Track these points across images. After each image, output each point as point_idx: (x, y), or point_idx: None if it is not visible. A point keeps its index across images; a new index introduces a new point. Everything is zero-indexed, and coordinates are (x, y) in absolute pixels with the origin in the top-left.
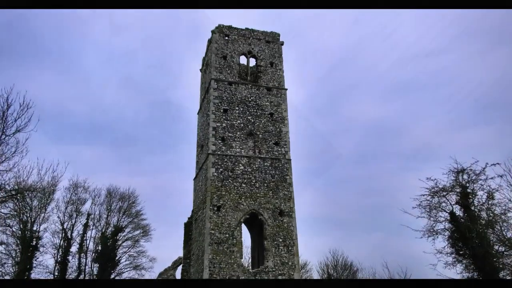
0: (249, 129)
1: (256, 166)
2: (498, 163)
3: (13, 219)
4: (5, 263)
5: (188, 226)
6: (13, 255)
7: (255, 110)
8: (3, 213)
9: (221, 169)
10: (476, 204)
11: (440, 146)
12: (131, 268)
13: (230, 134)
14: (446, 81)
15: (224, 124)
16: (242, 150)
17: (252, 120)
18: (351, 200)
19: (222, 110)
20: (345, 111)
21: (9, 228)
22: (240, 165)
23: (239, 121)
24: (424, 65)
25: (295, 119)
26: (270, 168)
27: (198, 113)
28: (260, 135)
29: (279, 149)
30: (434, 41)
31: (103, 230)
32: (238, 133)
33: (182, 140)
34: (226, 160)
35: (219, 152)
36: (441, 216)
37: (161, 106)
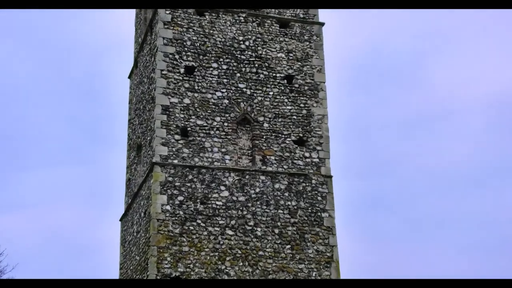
0: (241, 110)
1: (257, 190)
2: None
3: None
4: None
5: None
6: None
7: (254, 70)
8: None
9: (180, 198)
10: None
11: None
12: None
13: (200, 122)
14: None
15: (187, 100)
16: (227, 156)
17: (249, 92)
18: (460, 260)
19: (182, 70)
20: (447, 74)
21: None
22: (222, 188)
23: (219, 94)
24: None
25: (339, 89)
26: (286, 194)
27: (130, 77)
28: (266, 124)
29: (307, 154)
30: None
31: None
32: (218, 118)
33: (98, 136)
34: (191, 177)
35: (175, 161)
36: None
37: (54, 63)
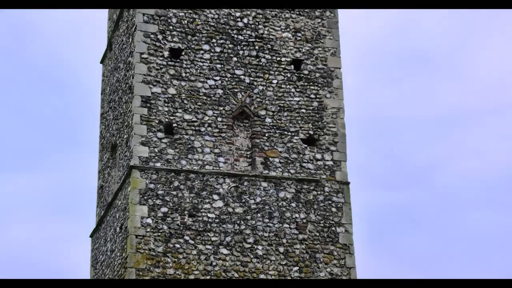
0: (238, 101)
1: (258, 200)
2: None
3: None
4: None
5: None
6: None
7: (254, 53)
8: None
9: (164, 209)
10: None
11: None
12: None
13: (188, 117)
14: None
15: (172, 90)
16: (221, 158)
17: (248, 80)
18: None
19: (167, 53)
20: (494, 59)
21: None
22: (215, 197)
23: (211, 82)
24: None
25: (358, 77)
26: (293, 205)
27: (102, 62)
28: (268, 119)
29: (319, 156)
30: None
31: None
32: (210, 112)
33: (62, 135)
34: (177, 184)
35: (158, 164)
36: None
37: (5, 46)
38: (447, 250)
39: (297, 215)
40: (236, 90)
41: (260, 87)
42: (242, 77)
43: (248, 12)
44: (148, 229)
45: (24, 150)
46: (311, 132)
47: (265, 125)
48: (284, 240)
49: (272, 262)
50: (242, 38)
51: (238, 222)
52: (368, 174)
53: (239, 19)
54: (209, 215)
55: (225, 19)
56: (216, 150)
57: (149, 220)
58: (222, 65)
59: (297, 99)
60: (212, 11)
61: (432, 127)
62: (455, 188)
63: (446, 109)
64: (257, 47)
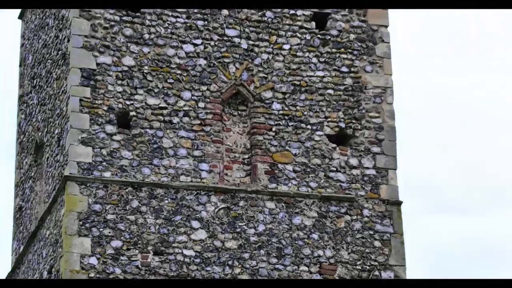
0: (231, 78)
1: (261, 229)
2: None
3: None
4: None
5: None
6: None
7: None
8: None
9: (116, 243)
10: None
11: None
12: None
13: (153, 101)
14: None
15: (128, 60)
16: (204, 165)
17: (245, 45)
18: None
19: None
20: None
21: None
22: (195, 224)
23: (189, 48)
24: None
25: (415, 40)
26: (315, 237)
27: (21, 17)
28: (277, 104)
29: (354, 161)
30: None
31: None
32: (188, 94)
33: None
34: (137, 204)
35: (107, 173)
36: None
37: None
38: None
39: (320, 252)
40: (227, 60)
41: (264, 56)
42: (236, 40)
43: None
44: (92, 274)
45: None
46: (343, 125)
47: (271, 114)
48: None
49: None
50: None
51: (230, 262)
52: (429, 191)
53: None
54: (186, 252)
55: None
56: (197, 153)
57: (93, 260)
58: (206, 22)
59: (321, 73)
60: None
61: None
62: None
63: None
64: None
